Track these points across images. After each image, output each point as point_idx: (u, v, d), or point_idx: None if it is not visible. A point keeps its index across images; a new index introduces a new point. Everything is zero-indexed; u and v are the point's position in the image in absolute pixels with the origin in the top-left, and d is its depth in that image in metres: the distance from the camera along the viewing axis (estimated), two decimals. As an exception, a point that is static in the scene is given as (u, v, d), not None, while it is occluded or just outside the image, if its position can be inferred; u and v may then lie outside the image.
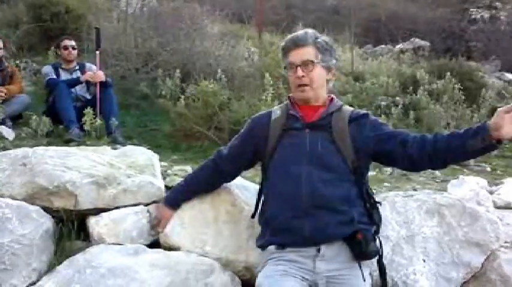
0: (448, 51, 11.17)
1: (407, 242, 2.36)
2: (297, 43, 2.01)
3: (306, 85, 2.00)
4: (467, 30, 13.24)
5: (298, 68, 1.99)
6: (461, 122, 5.95)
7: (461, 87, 6.42)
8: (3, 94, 4.26)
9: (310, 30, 2.06)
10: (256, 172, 2.69)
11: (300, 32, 2.05)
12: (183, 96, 4.71)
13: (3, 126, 3.96)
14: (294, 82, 2.02)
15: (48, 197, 2.26)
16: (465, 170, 4.27)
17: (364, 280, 1.91)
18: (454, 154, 1.90)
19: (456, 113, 6.07)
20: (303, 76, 1.99)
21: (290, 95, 2.15)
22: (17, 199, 2.23)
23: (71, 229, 2.27)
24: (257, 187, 2.25)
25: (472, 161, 4.65)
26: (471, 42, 12.94)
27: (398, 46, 11.84)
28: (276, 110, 2.12)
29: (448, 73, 6.66)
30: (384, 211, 2.38)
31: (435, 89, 6.53)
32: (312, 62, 1.99)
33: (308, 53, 1.99)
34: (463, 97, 6.33)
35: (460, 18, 13.73)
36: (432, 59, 9.59)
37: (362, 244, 1.87)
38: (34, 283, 2.06)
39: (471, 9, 13.74)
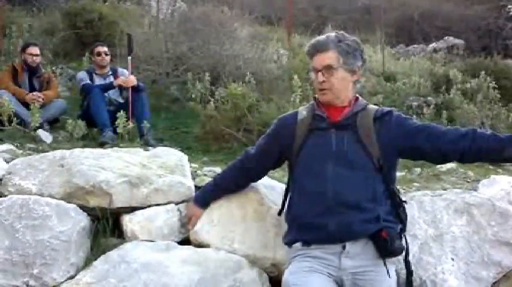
0: (484, 50, 10.90)
1: (436, 241, 2.35)
2: (318, 48, 2.03)
3: (326, 89, 2.03)
4: (505, 28, 12.86)
5: (320, 73, 2.02)
6: (496, 121, 5.81)
7: (497, 86, 6.27)
8: (41, 99, 4.45)
9: (332, 34, 2.06)
10: (284, 172, 2.73)
11: (321, 37, 2.07)
12: (212, 99, 4.80)
13: (41, 130, 4.13)
14: (316, 86, 2.07)
15: (84, 196, 2.37)
16: (499, 170, 4.17)
17: (390, 277, 1.91)
18: (489, 155, 1.96)
19: (491, 112, 5.93)
20: (323, 81, 2.02)
21: (315, 95, 2.18)
22: (56, 198, 2.35)
23: (106, 226, 2.37)
24: (284, 186, 2.29)
25: (507, 161, 4.54)
26: (509, 40, 12.57)
27: (432, 45, 11.63)
28: (302, 111, 2.15)
29: (483, 72, 6.51)
30: (412, 210, 2.38)
31: (469, 88, 6.40)
32: (332, 67, 2.00)
33: (329, 58, 2.01)
34: (499, 96, 6.18)
35: (497, 15, 13.35)
36: (467, 58, 9.39)
37: (387, 242, 1.88)
38: (72, 277, 2.16)
39: (509, 6, 13.32)
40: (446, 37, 12.02)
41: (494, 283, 2.36)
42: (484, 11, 13.58)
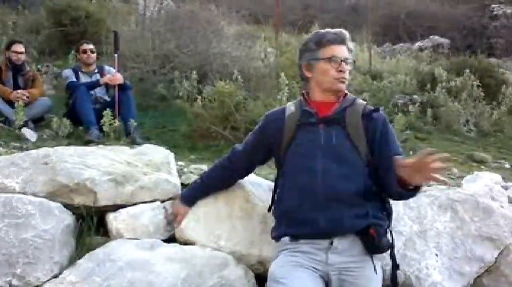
0: (469, 49, 11.02)
1: (420, 237, 2.37)
2: (341, 40, 2.07)
3: (346, 79, 2.06)
4: (489, 27, 13.03)
5: (343, 63, 2.05)
6: (480, 119, 5.89)
7: (481, 84, 6.34)
8: (25, 98, 4.40)
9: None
10: (271, 169, 2.74)
11: (342, 30, 2.10)
12: (199, 97, 4.79)
13: (26, 129, 4.09)
14: (334, 75, 2.05)
15: (68, 194, 2.34)
16: (483, 167, 4.24)
17: (376, 273, 1.93)
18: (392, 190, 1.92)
19: (475, 110, 6.01)
20: (345, 71, 2.05)
21: (304, 91, 2.18)
22: (40, 196, 2.31)
23: (91, 225, 2.34)
24: (270, 183, 2.30)
25: (490, 158, 4.61)
26: (493, 38, 12.74)
27: (417, 44, 11.74)
28: (290, 106, 2.16)
29: (467, 70, 6.58)
30: (396, 206, 2.39)
31: (454, 86, 6.47)
32: (351, 60, 2.07)
33: (347, 51, 2.08)
34: (483, 94, 6.26)
35: (481, 15, 13.52)
36: (452, 57, 9.49)
37: (375, 238, 1.89)
38: (56, 276, 2.13)
39: (492, 5, 13.51)
40: (431, 36, 12.15)
41: (476, 278, 2.39)
42: (469, 10, 13.75)
